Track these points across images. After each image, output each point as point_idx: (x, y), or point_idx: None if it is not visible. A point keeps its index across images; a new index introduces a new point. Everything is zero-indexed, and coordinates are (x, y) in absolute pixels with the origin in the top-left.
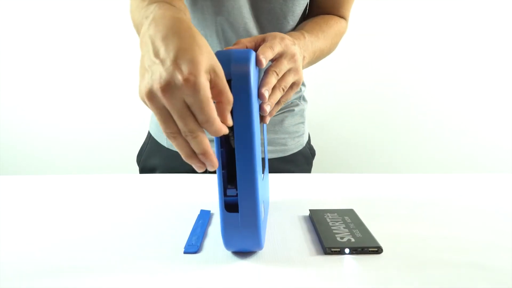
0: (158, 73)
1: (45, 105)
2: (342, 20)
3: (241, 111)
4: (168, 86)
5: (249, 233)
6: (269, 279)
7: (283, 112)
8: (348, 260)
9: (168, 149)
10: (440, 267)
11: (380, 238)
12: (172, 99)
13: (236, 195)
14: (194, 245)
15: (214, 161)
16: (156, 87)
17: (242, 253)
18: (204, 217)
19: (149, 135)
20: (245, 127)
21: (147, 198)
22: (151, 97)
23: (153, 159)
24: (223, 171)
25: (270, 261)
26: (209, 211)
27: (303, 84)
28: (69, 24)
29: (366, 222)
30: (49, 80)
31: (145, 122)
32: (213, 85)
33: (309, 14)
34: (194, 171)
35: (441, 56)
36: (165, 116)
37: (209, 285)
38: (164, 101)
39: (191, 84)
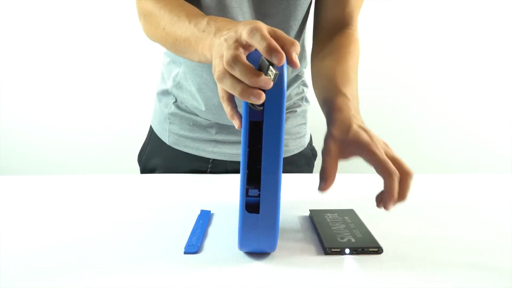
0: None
1: (45, 105)
2: (354, 35)
3: (273, 109)
4: (228, 68)
5: (266, 234)
6: (269, 279)
7: (286, 113)
8: (348, 260)
9: (169, 147)
10: (440, 267)
11: (380, 238)
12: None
13: (258, 196)
14: (194, 245)
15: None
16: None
17: (242, 253)
18: (204, 217)
19: (151, 132)
20: (276, 125)
21: (147, 198)
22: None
23: (154, 159)
24: (247, 171)
25: (270, 261)
26: (209, 211)
27: (306, 85)
28: (69, 24)
29: (366, 222)
30: (49, 80)
31: (144, 122)
32: (276, 37)
33: (317, 29)
34: (194, 172)
35: (441, 57)
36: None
37: (209, 286)
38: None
39: (256, 26)
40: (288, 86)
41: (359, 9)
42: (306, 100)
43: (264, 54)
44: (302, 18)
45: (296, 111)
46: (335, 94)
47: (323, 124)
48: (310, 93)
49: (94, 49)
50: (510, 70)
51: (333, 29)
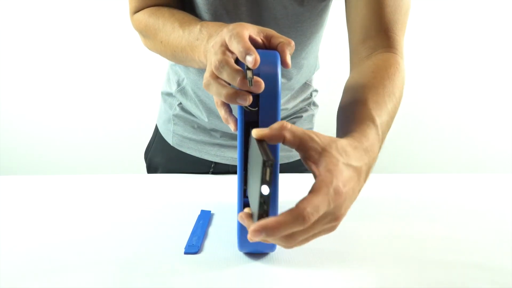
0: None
1: (46, 104)
2: (398, 59)
3: (268, 110)
4: (221, 65)
5: None
6: (269, 279)
7: (291, 119)
8: (348, 260)
9: (173, 147)
10: (440, 267)
11: (380, 238)
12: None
13: None
14: (194, 246)
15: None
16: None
17: (242, 253)
18: (205, 218)
19: (156, 130)
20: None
21: (147, 199)
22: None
23: (158, 158)
24: (244, 172)
25: (270, 261)
26: (210, 211)
27: (315, 90)
28: (73, 22)
29: (366, 222)
30: (50, 80)
31: (152, 119)
32: (269, 37)
33: (352, 40)
34: (195, 172)
35: (442, 57)
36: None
37: (209, 286)
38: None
39: (236, 30)
40: (297, 96)
41: (402, 28)
42: (314, 104)
43: (239, 58)
44: (310, 34)
45: (302, 116)
46: (364, 120)
47: (332, 127)
48: (318, 97)
49: (99, 47)
50: (510, 70)
51: (372, 49)
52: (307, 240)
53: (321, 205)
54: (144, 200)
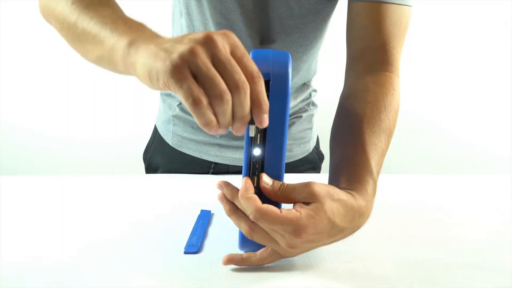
0: (190, 38)
1: (46, 104)
2: (394, 81)
3: (278, 111)
4: (210, 39)
5: None
6: (269, 279)
7: (291, 119)
8: (347, 261)
9: (172, 148)
10: (440, 267)
11: (380, 238)
12: (218, 48)
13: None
14: (194, 245)
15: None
16: (195, 44)
17: (242, 253)
18: (205, 217)
19: (155, 131)
20: (279, 126)
21: (147, 198)
22: (187, 60)
23: (158, 158)
24: (247, 174)
25: None
26: (210, 211)
27: (314, 90)
28: None
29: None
30: (49, 80)
31: (150, 120)
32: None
33: (350, 49)
34: (195, 172)
35: (441, 57)
36: (211, 76)
37: (209, 286)
38: (211, 51)
39: (229, 34)
40: (296, 96)
41: (400, 43)
42: (313, 104)
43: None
44: (313, 37)
45: (301, 116)
46: (363, 174)
47: (330, 128)
48: (317, 97)
49: None
50: (509, 71)
51: (369, 65)
52: (264, 237)
53: (274, 224)
54: (144, 200)
